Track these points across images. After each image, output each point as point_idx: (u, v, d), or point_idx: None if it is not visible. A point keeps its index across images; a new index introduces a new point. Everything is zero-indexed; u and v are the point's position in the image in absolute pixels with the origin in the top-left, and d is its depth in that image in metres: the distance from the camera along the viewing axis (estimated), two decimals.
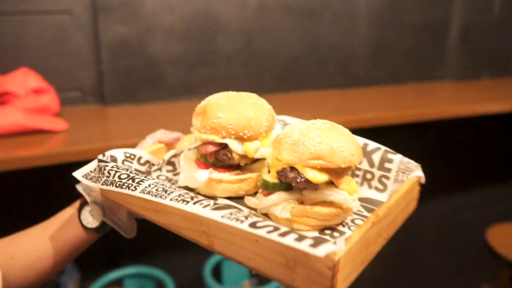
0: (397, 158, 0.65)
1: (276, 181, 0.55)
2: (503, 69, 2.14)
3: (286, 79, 1.60)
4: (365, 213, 0.61)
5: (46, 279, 0.69)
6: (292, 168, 0.53)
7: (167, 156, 0.71)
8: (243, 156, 0.62)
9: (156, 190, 0.51)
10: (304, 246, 0.40)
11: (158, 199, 0.50)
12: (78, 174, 0.62)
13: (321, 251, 0.39)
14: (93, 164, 0.63)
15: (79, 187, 0.67)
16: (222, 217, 0.45)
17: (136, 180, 0.54)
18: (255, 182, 0.62)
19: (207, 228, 0.49)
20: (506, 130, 2.28)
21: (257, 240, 0.44)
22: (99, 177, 0.59)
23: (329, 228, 0.56)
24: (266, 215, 0.58)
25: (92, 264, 1.51)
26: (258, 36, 1.55)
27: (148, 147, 0.70)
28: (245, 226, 0.43)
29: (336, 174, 0.53)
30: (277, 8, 1.56)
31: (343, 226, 0.57)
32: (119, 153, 0.64)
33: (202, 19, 1.44)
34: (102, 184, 0.57)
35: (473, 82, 2.05)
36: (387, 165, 0.65)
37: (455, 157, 2.21)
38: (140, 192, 0.52)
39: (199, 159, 0.63)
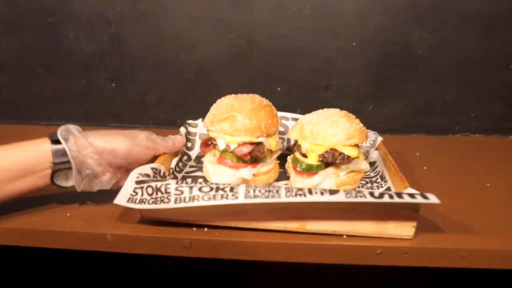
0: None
1: (318, 163, 0.67)
2: None
3: None
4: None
5: None
6: (332, 149, 0.66)
7: (173, 164, 0.74)
8: (269, 150, 0.71)
9: (256, 191, 0.56)
10: (408, 199, 0.55)
11: (270, 199, 0.55)
12: (122, 201, 0.58)
13: (433, 199, 0.54)
14: (129, 188, 0.60)
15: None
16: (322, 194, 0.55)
17: (227, 190, 0.57)
18: (277, 170, 0.73)
19: (298, 212, 0.58)
20: None
21: (354, 208, 0.57)
22: (160, 197, 0.58)
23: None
24: None
25: None
26: None
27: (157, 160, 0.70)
28: (351, 199, 0.54)
29: (358, 147, 0.69)
30: None
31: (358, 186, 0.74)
32: (147, 169, 0.63)
33: None
34: (175, 203, 0.57)
35: None
36: None
37: None
38: (244, 198, 0.56)
39: (231, 159, 0.69)
